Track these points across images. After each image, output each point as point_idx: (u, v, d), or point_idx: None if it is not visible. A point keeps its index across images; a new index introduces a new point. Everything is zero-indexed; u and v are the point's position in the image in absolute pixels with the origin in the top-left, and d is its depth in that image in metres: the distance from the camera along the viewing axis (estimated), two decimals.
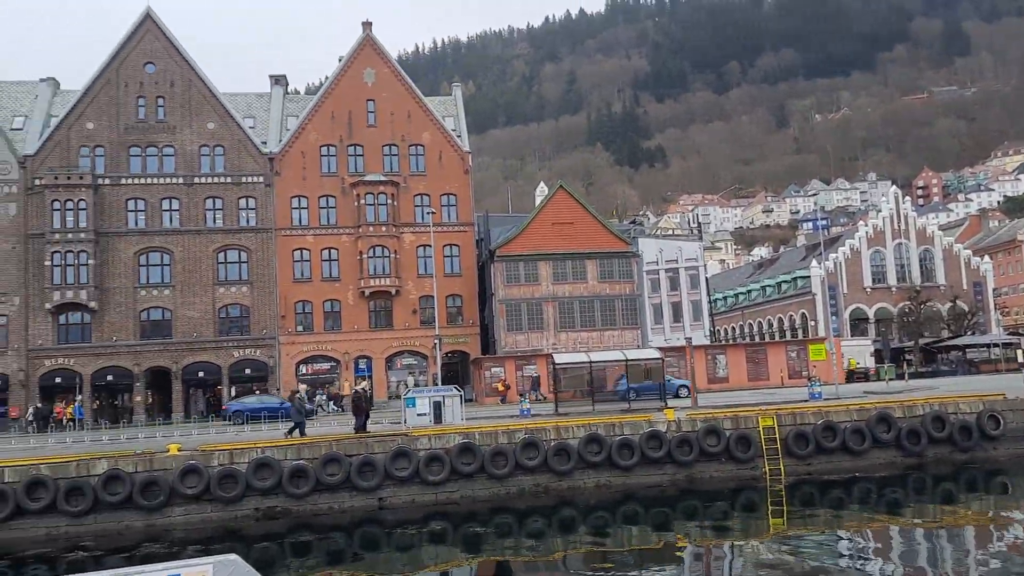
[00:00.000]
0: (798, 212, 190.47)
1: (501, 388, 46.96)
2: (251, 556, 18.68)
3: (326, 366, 52.86)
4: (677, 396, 39.11)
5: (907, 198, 75.02)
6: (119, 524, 22.04)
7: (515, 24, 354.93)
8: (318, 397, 47.45)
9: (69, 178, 49.50)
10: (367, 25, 56.24)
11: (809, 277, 68.92)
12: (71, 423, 44.51)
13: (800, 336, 67.10)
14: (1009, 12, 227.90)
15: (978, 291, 69.84)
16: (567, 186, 58.09)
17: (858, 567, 15.77)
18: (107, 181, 50.93)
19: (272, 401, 42.10)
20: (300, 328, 52.48)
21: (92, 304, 49.17)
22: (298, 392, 29.95)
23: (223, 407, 45.17)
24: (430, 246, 51.54)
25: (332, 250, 53.34)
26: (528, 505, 23.21)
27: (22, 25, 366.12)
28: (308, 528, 21.59)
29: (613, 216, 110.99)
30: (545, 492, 24.25)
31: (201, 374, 51.00)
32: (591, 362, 34.27)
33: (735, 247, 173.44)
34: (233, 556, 6.18)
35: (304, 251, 53.06)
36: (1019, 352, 50.64)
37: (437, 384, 42.23)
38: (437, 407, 28.33)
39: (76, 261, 49.17)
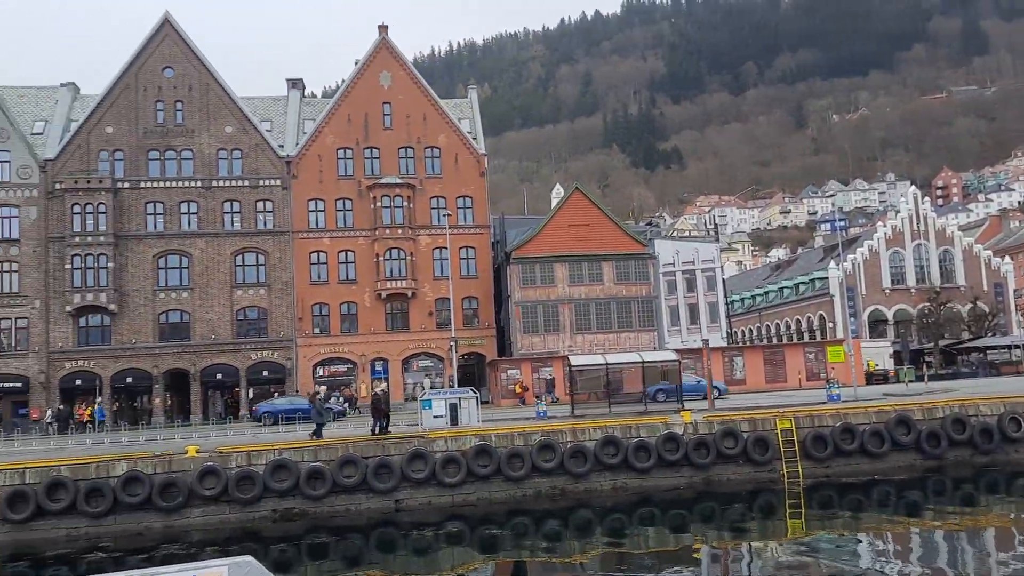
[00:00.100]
0: (816, 213, 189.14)
1: (519, 390, 46.95)
2: (269, 557, 18.77)
3: (343, 368, 53.03)
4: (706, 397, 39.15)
5: (926, 198, 74.39)
6: (138, 525, 22.21)
7: (530, 26, 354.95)
8: (332, 399, 47.60)
9: (89, 182, 49.93)
10: (383, 28, 56.43)
11: (827, 278, 68.46)
12: (91, 425, 44.91)
13: (818, 338, 66.64)
14: None
15: (999, 292, 69.13)
16: (583, 188, 58.02)
17: (878, 569, 15.64)
18: (126, 185, 51.35)
19: (302, 402, 42.28)
20: (317, 330, 52.69)
21: (111, 307, 49.58)
22: (318, 393, 30.06)
23: (253, 408, 45.57)
24: (446, 248, 51.61)
25: (349, 252, 53.54)
26: (544, 507, 23.20)
27: (20, 25, 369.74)
28: (325, 530, 21.66)
29: (629, 218, 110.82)
30: (561, 494, 24.22)
31: (219, 376, 51.30)
32: (607, 364, 34.19)
33: (752, 248, 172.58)
34: (248, 558, 6.20)
35: (321, 254, 53.27)
36: None
37: (453, 386, 42.27)
38: (453, 409, 28.35)
39: (96, 264, 49.60)
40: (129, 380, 50.21)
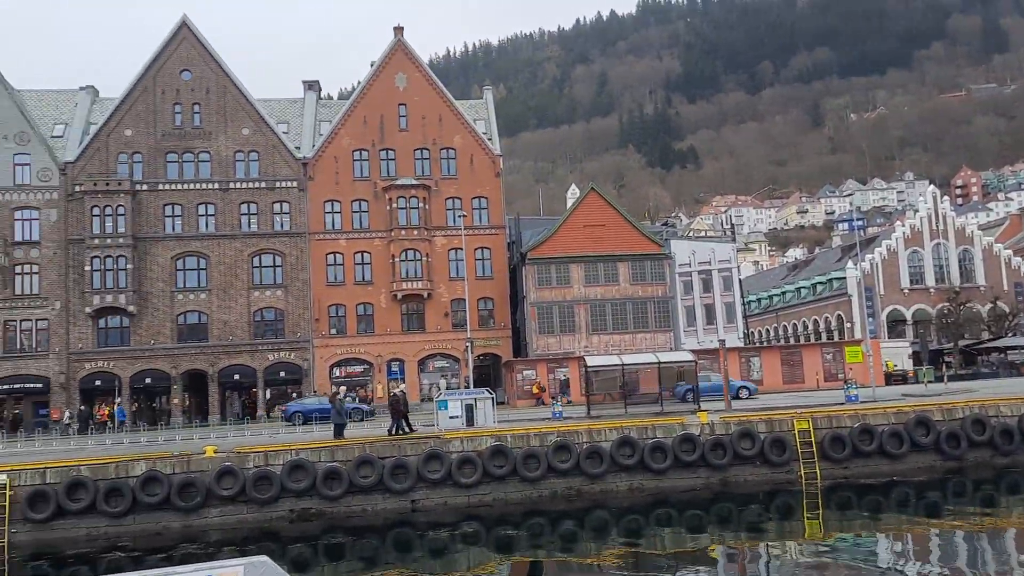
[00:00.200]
0: (833, 213, 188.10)
1: (536, 391, 46.94)
2: (286, 557, 18.86)
3: (359, 369, 53.20)
4: (737, 397, 39.29)
5: (945, 198, 73.73)
6: (157, 525, 22.37)
7: (546, 27, 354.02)
8: (347, 399, 47.72)
9: (108, 184, 50.38)
10: (399, 30, 56.59)
11: (845, 278, 67.98)
12: (111, 425, 45.29)
13: (836, 338, 66.20)
14: None
15: (1019, 292, 68.40)
16: (599, 188, 57.93)
17: (897, 570, 15.53)
18: (145, 187, 51.76)
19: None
20: (333, 331, 52.89)
21: (131, 308, 49.98)
22: (338, 394, 30.19)
23: (283, 408, 45.99)
24: (461, 249, 51.67)
25: (365, 254, 53.71)
26: (560, 508, 23.18)
27: (39, 30, 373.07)
28: (342, 530, 21.74)
29: (645, 218, 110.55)
30: (577, 495, 24.20)
31: (237, 377, 51.61)
32: (623, 365, 34.13)
33: (769, 248, 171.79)
34: (263, 558, 6.24)
35: (337, 255, 53.47)
36: None
37: (469, 387, 42.31)
38: (469, 410, 28.38)
39: (115, 266, 50.02)
40: (148, 381, 50.60)
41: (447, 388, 49.33)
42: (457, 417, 28.22)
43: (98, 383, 49.88)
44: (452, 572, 17.93)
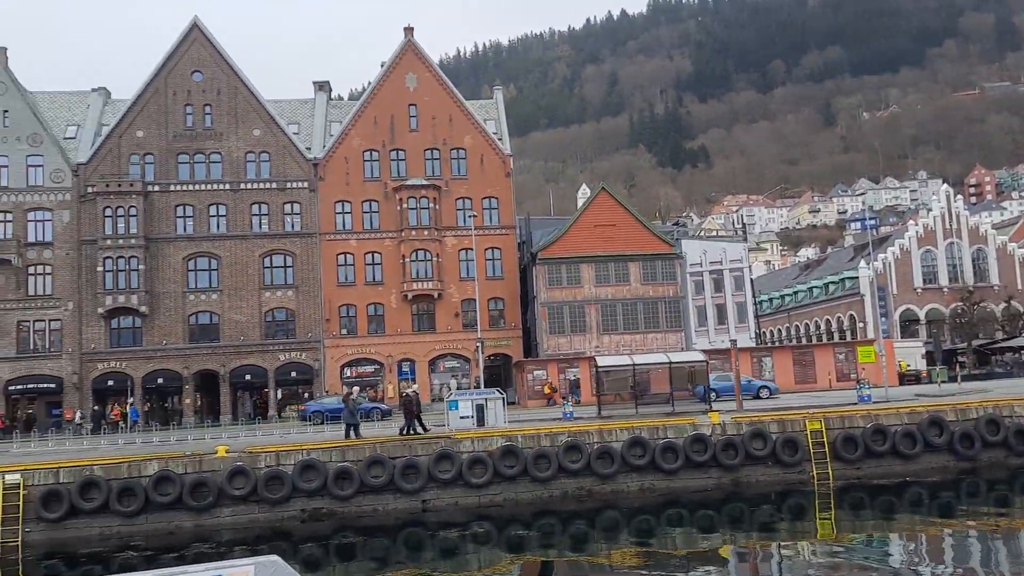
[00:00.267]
0: (846, 212, 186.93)
1: (548, 391, 46.90)
2: (297, 557, 18.90)
3: (370, 369, 53.28)
4: (758, 397, 39.52)
5: (959, 196, 73.26)
6: (169, 524, 22.45)
7: (556, 26, 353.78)
8: (360, 399, 47.82)
9: (120, 185, 50.62)
10: (409, 31, 56.64)
11: (857, 278, 67.65)
12: (123, 425, 45.52)
13: (848, 338, 65.88)
14: None
15: None
16: (609, 188, 57.83)
17: (910, 570, 15.42)
18: (156, 188, 51.98)
19: None
20: (344, 331, 52.98)
21: (143, 308, 50.21)
22: (351, 394, 30.28)
23: (302, 407, 46.20)
24: (472, 249, 51.66)
25: (375, 254, 53.79)
26: (571, 508, 23.15)
27: (51, 32, 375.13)
28: (353, 530, 21.77)
29: (656, 218, 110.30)
30: (588, 495, 24.16)
31: (248, 377, 51.77)
32: (634, 365, 34.05)
33: (781, 248, 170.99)
34: (274, 557, 6.23)
35: (348, 255, 53.57)
36: None
37: (479, 387, 42.32)
38: (480, 410, 28.38)
39: (127, 266, 50.26)
40: (160, 381, 50.83)
41: (458, 388, 49.34)
42: (468, 417, 28.23)
43: (111, 383, 50.14)
44: (463, 572, 17.92)
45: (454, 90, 56.78)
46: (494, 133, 56.42)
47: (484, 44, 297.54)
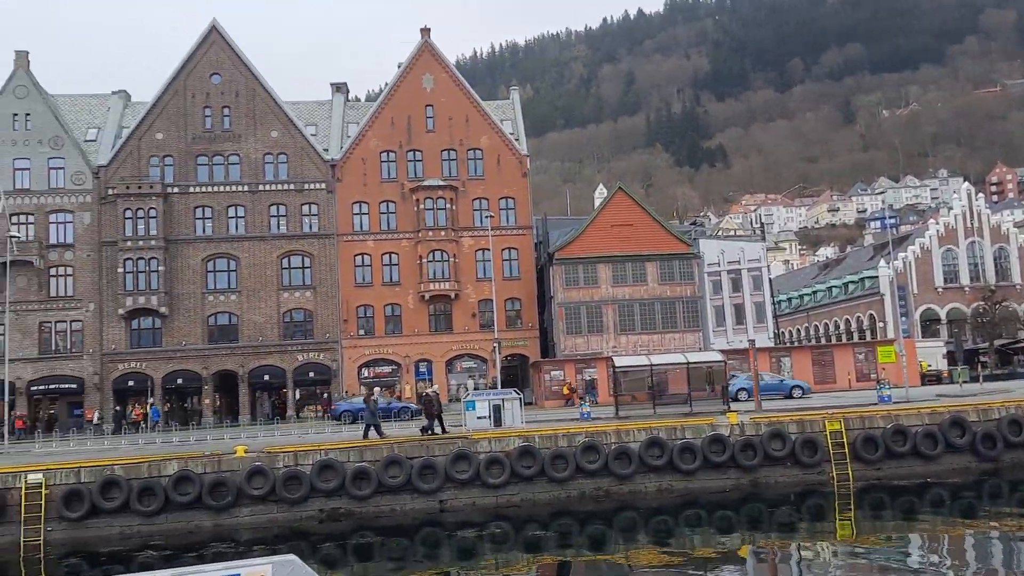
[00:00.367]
0: (865, 211, 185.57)
1: (567, 391, 46.85)
2: (316, 557, 18.97)
3: (387, 369, 53.43)
4: (790, 396, 39.32)
5: (980, 195, 72.58)
6: (189, 524, 22.59)
7: (572, 26, 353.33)
8: (380, 399, 47.91)
9: (140, 187, 51.08)
10: (426, 31, 56.75)
11: (877, 277, 67.16)
12: (144, 424, 45.91)
13: (868, 338, 65.40)
14: None
15: None
16: (626, 188, 57.74)
17: (931, 571, 15.27)
18: (176, 190, 52.39)
19: (380, 402, 42.89)
20: (362, 332, 53.16)
21: (162, 309, 50.63)
22: (372, 395, 30.39)
23: (331, 407, 46.46)
24: (489, 250, 51.72)
25: (392, 255, 53.93)
26: (589, 509, 23.09)
27: (72, 35, 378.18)
28: (371, 529, 21.81)
29: (674, 217, 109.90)
30: (606, 496, 24.09)
31: (266, 377, 52.07)
32: (652, 365, 33.92)
33: (799, 247, 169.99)
34: (291, 556, 6.27)
35: (365, 256, 53.75)
36: None
37: (497, 387, 42.32)
38: (497, 410, 28.37)
39: (147, 268, 50.70)
40: (179, 381, 51.22)
41: (475, 388, 49.37)
42: (485, 417, 28.23)
43: (131, 383, 50.60)
44: (481, 572, 17.92)
45: (471, 91, 56.85)
46: (511, 133, 56.44)
47: (500, 44, 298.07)
